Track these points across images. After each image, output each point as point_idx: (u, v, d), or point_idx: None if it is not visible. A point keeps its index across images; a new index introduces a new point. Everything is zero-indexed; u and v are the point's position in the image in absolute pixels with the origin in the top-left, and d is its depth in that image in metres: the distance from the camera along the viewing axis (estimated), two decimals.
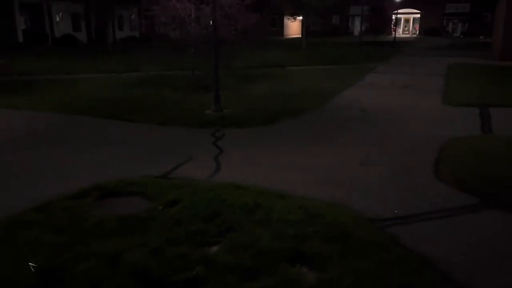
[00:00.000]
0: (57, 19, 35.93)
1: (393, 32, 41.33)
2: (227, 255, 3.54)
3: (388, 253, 3.62)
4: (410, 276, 3.32)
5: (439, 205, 4.65)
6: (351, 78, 15.11)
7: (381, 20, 42.58)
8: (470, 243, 3.89)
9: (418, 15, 54.09)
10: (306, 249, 3.63)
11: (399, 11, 44.98)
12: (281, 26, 55.62)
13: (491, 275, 3.42)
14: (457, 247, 3.80)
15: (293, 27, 54.10)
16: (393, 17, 43.64)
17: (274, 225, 4.05)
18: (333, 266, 3.42)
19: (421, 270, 3.43)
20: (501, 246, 3.84)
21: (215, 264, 3.43)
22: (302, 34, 34.24)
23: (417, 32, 54.38)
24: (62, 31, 35.67)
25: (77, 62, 21.07)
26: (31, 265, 3.42)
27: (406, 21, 56.38)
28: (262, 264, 3.43)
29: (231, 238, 3.83)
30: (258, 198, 4.63)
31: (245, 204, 4.44)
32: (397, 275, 3.32)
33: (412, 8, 52.15)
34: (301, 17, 36.72)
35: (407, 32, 56.10)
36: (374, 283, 3.24)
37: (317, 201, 4.68)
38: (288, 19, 43.77)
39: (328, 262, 3.46)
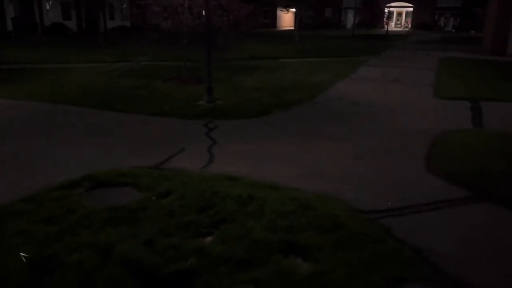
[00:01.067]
0: (47, 7, 35.30)
1: (386, 26, 41.46)
2: (220, 247, 3.53)
3: (381, 244, 3.64)
4: (403, 268, 3.33)
5: (431, 198, 4.68)
6: (344, 71, 15.11)
7: (373, 14, 42.62)
8: (462, 235, 3.92)
9: (411, 9, 54.24)
10: (299, 240, 3.63)
11: (392, 4, 45.08)
12: (273, 18, 55.38)
13: (482, 268, 3.45)
14: (449, 240, 3.83)
15: (286, 19, 53.93)
16: (386, 10, 43.71)
17: (267, 216, 4.04)
18: (326, 257, 3.42)
19: (413, 262, 3.45)
20: (492, 239, 3.87)
21: (208, 256, 3.41)
22: (295, 27, 34.11)
23: (409, 26, 54.55)
24: (52, 19, 35.02)
25: (67, 51, 20.76)
26: (22, 256, 3.37)
27: (399, 15, 56.49)
28: (255, 256, 3.42)
29: (224, 230, 3.81)
30: (251, 189, 4.61)
31: (238, 195, 4.42)
32: (390, 266, 3.34)
33: (405, 2, 52.27)
34: (294, 9, 36.53)
35: (399, 26, 56.23)
36: (366, 274, 3.25)
37: (310, 193, 4.68)
38: (281, 11, 43.55)
39: (321, 254, 3.46)
